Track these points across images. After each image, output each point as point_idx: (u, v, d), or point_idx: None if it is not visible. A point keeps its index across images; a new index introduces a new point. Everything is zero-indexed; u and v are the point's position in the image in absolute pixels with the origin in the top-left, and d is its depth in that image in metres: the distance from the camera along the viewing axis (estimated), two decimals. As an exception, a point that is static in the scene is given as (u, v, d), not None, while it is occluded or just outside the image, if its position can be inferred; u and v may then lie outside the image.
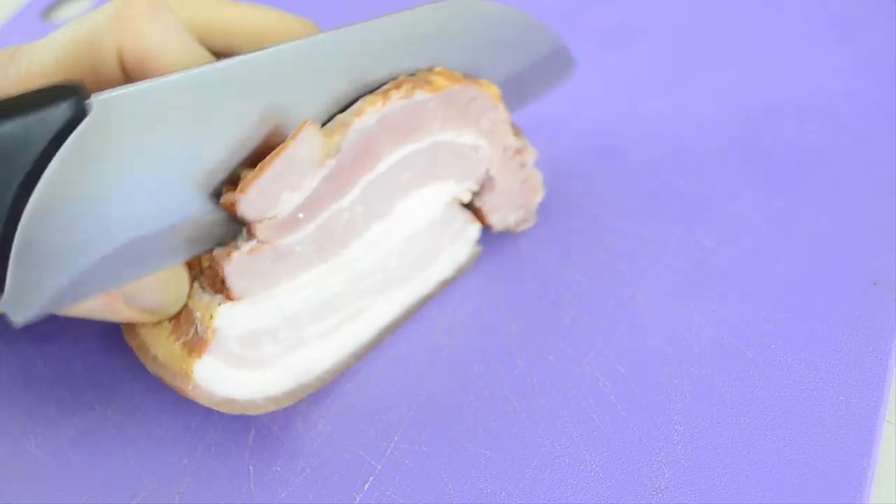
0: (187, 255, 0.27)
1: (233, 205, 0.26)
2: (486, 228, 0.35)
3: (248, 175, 0.26)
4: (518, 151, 0.33)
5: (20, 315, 0.24)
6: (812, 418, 0.28)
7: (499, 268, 0.35)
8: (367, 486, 0.29)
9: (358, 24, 0.29)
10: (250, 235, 0.27)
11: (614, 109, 0.41)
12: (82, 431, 0.31)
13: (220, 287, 0.27)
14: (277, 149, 0.26)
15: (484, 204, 0.34)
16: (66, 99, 0.23)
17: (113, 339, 0.33)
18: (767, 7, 0.45)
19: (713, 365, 0.30)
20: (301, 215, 0.28)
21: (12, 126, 0.22)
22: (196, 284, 0.28)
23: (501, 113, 0.32)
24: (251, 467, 0.30)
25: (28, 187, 0.23)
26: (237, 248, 0.27)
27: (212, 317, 0.27)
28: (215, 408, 0.28)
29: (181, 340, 0.28)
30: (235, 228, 0.27)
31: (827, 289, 0.32)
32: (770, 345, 0.31)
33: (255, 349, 0.29)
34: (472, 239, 0.35)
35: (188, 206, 0.26)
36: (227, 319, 0.28)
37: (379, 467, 0.29)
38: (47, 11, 0.54)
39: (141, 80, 0.28)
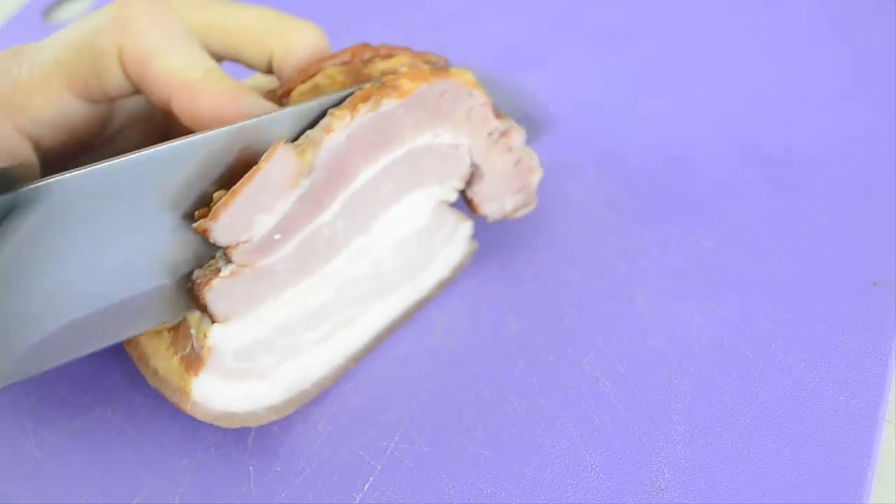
0: (168, 304, 0.27)
1: (205, 231, 0.25)
2: (482, 218, 0.34)
3: (219, 200, 0.25)
4: (503, 134, 0.32)
5: None
6: (812, 418, 0.28)
7: (498, 268, 0.35)
8: (367, 486, 0.29)
9: None
10: (227, 260, 0.26)
11: (614, 109, 0.41)
12: (82, 432, 0.31)
13: (203, 309, 0.27)
14: (249, 172, 0.25)
15: (475, 195, 0.33)
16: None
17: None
18: (767, 7, 0.45)
19: (713, 365, 0.30)
20: (277, 236, 0.27)
21: None
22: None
23: (478, 98, 0.31)
24: (251, 467, 0.30)
25: None
26: (217, 273, 0.26)
27: (205, 335, 0.27)
28: (215, 423, 0.28)
29: (179, 355, 0.28)
30: (213, 247, 0.27)
31: (827, 289, 0.32)
32: (770, 345, 0.31)
33: (251, 361, 0.29)
34: (466, 237, 0.34)
35: (153, 273, 0.26)
36: (220, 337, 0.27)
37: (379, 467, 0.29)
38: (47, 11, 0.54)
39: (141, 79, 0.28)
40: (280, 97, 0.29)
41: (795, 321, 0.31)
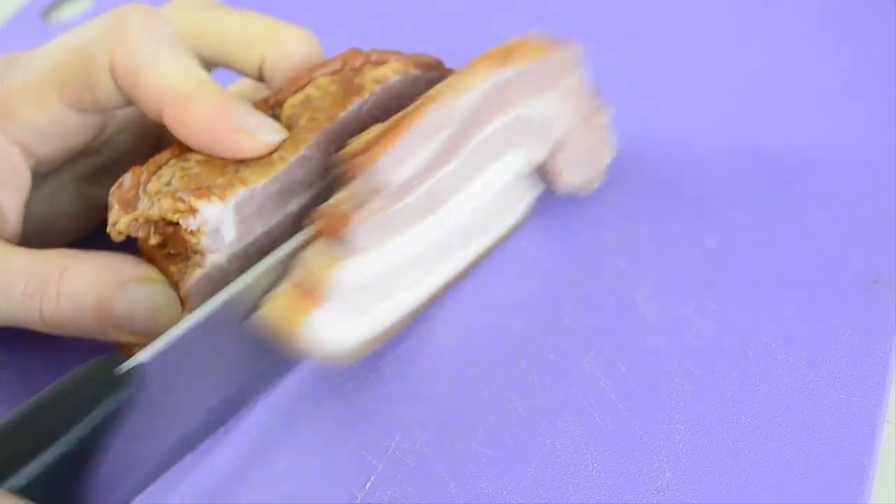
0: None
1: (357, 169, 0.27)
2: (552, 190, 0.36)
3: (372, 141, 0.27)
4: (596, 111, 0.34)
5: None
6: (813, 417, 0.28)
7: (498, 268, 0.35)
8: (368, 485, 0.29)
9: None
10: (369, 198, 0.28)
11: (614, 109, 0.41)
12: (83, 431, 0.31)
13: (340, 240, 0.28)
14: (406, 117, 0.28)
15: (554, 164, 0.34)
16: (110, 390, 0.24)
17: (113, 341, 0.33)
18: (767, 7, 0.45)
19: (714, 364, 0.30)
20: (413, 181, 0.29)
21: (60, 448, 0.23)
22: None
23: (584, 72, 0.33)
24: (252, 466, 0.30)
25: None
26: (363, 205, 0.28)
27: (329, 268, 0.28)
28: (324, 360, 0.29)
29: (291, 290, 0.28)
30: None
31: (827, 288, 0.32)
32: (771, 344, 0.31)
33: (359, 298, 0.30)
34: (532, 200, 0.36)
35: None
36: (341, 272, 0.29)
37: (380, 467, 0.29)
38: (47, 11, 0.54)
39: (132, 90, 0.28)
40: (272, 107, 0.29)
41: (796, 320, 0.31)
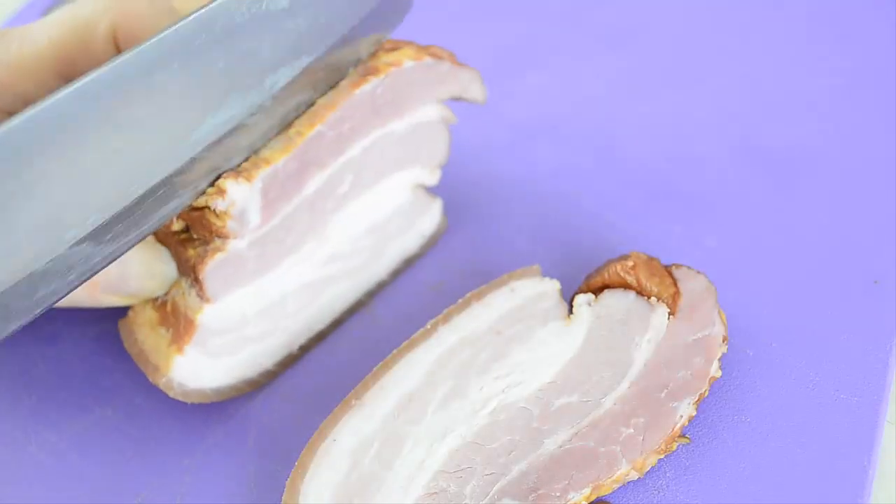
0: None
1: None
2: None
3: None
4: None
5: None
6: (813, 416, 0.28)
7: (497, 268, 0.35)
8: (367, 485, 0.29)
9: None
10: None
11: (614, 109, 0.41)
12: (83, 433, 0.31)
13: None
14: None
15: None
16: None
17: (113, 341, 0.33)
18: (767, 7, 0.45)
19: (714, 364, 0.30)
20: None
21: None
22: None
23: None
24: (251, 467, 0.30)
25: None
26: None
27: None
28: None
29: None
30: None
31: (828, 287, 0.32)
32: (772, 344, 0.31)
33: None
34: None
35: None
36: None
37: None
38: (47, 11, 0.54)
39: None
40: None
41: (796, 319, 0.31)
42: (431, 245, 0.36)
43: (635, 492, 0.27)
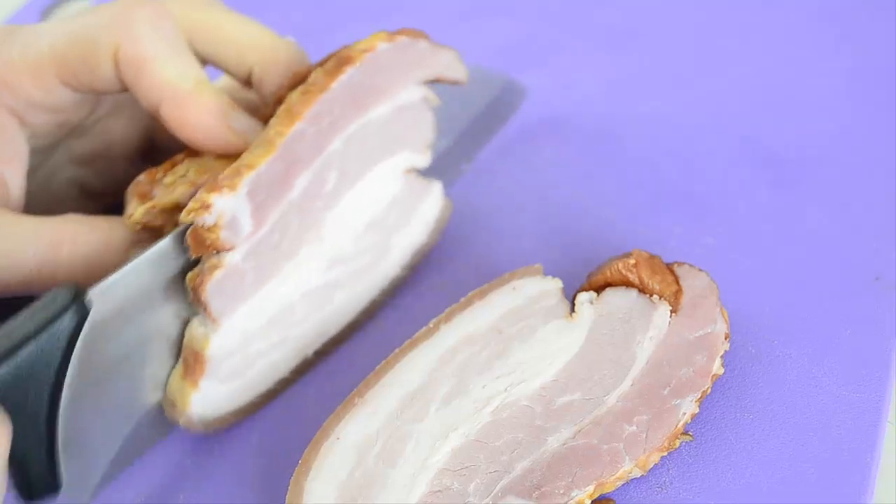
0: None
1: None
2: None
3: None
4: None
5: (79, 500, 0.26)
6: (815, 414, 0.28)
7: (499, 267, 0.35)
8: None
9: None
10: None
11: (614, 109, 0.41)
12: (84, 431, 0.31)
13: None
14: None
15: None
16: (69, 308, 0.24)
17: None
18: (767, 7, 0.46)
19: (716, 362, 0.30)
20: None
21: (28, 352, 0.23)
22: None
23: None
24: (252, 468, 0.30)
25: (54, 394, 0.24)
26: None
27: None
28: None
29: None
30: None
31: (829, 285, 0.32)
32: (773, 341, 0.31)
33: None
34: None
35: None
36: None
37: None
38: (47, 11, 0.54)
39: (134, 82, 0.28)
40: (273, 105, 0.30)
41: (798, 317, 0.31)
42: (440, 231, 0.35)
43: (638, 489, 0.27)
